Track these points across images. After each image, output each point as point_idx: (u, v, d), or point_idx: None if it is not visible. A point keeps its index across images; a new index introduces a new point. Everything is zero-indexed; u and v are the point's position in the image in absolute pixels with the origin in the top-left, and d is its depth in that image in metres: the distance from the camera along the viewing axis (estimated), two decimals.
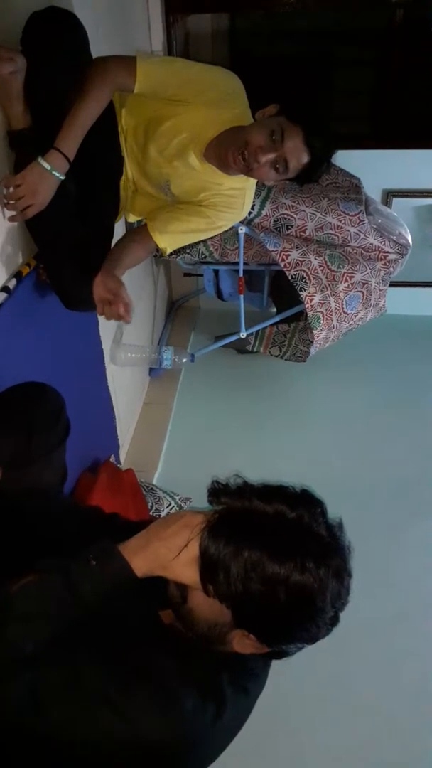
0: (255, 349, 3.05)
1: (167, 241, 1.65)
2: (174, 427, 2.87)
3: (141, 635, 0.86)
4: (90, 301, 1.66)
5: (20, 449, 1.17)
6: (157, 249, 1.68)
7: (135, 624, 0.87)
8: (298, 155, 1.46)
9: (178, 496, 2.24)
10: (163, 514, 2.13)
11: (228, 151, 1.48)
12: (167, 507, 2.16)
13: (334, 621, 0.81)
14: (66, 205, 1.50)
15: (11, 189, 1.34)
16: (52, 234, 1.52)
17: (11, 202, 1.35)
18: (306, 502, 0.81)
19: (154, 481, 2.51)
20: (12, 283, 1.45)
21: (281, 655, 0.85)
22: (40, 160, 1.34)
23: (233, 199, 1.66)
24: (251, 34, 3.55)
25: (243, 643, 0.82)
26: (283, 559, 0.75)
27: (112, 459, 2.25)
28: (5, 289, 1.42)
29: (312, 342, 2.68)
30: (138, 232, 1.67)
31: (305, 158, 1.47)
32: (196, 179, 1.60)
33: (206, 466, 2.38)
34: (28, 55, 1.32)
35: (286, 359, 3.03)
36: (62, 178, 1.37)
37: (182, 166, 1.58)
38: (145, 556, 0.82)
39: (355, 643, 1.91)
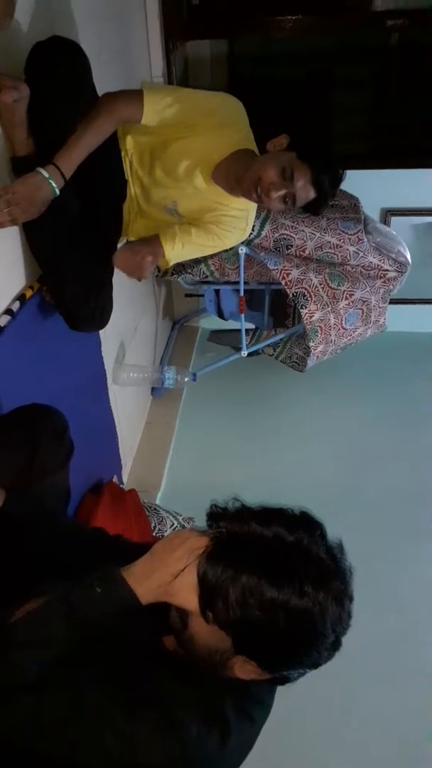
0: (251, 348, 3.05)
1: (173, 251, 1.69)
2: (176, 446, 2.87)
3: (144, 660, 0.85)
4: (94, 321, 1.68)
5: (24, 471, 1.18)
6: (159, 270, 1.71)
7: (138, 649, 0.86)
8: (307, 192, 1.54)
9: (180, 515, 2.24)
10: (166, 533, 2.12)
11: (243, 183, 1.54)
12: (170, 527, 2.16)
13: (336, 646, 0.80)
14: (67, 226, 1.53)
15: (10, 195, 1.33)
16: (56, 255, 1.54)
17: (6, 209, 1.33)
18: (305, 524, 0.81)
19: (157, 501, 2.51)
20: (15, 306, 1.46)
21: (284, 680, 0.84)
22: (39, 169, 1.36)
23: (237, 219, 1.71)
24: (249, 58, 3.61)
25: (244, 669, 0.81)
26: (282, 583, 0.74)
27: (115, 479, 2.25)
28: (9, 312, 1.44)
29: (309, 350, 2.70)
30: (148, 238, 1.72)
31: (312, 195, 1.55)
32: (203, 200, 1.64)
33: (209, 485, 2.40)
34: (31, 84, 1.35)
35: (280, 360, 3.04)
36: (57, 191, 1.38)
37: (190, 187, 1.61)
38: (149, 585, 0.81)
39: (359, 663, 1.89)
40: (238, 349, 2.94)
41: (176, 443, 2.89)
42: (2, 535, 1.08)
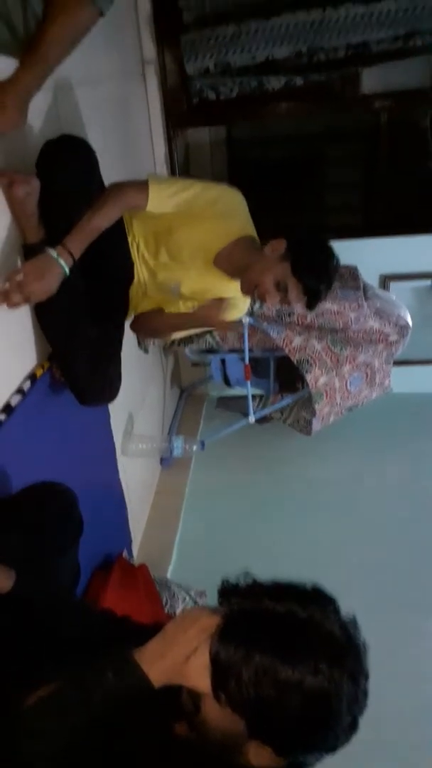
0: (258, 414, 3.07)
1: None
2: (186, 517, 2.84)
3: (155, 747, 0.82)
4: (103, 395, 1.73)
5: (33, 551, 1.17)
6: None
7: (149, 735, 0.84)
8: (300, 299, 1.64)
9: (192, 590, 2.19)
10: (178, 610, 2.08)
11: (242, 284, 1.66)
12: (182, 602, 2.11)
13: (353, 727, 0.77)
14: (76, 304, 1.59)
15: (20, 276, 1.39)
16: (65, 334, 1.60)
17: (17, 290, 1.38)
18: (318, 599, 0.80)
19: (168, 575, 2.46)
20: (26, 385, 1.50)
21: (300, 767, 0.81)
22: (49, 249, 1.43)
23: (236, 300, 1.78)
24: (246, 141, 3.83)
25: (259, 754, 0.79)
26: (296, 662, 0.73)
27: (125, 554, 2.22)
28: (20, 391, 1.47)
29: (315, 413, 2.71)
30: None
31: (304, 300, 1.64)
32: (205, 283, 1.73)
33: (220, 557, 2.36)
34: (42, 177, 1.45)
35: (288, 424, 3.06)
36: (67, 270, 1.44)
37: (193, 271, 1.70)
38: (162, 666, 0.80)
39: (377, 745, 1.79)
40: (246, 415, 2.97)
41: (186, 514, 2.86)
42: (11, 618, 1.07)
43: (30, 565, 1.16)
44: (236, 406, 3.27)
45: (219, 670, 0.76)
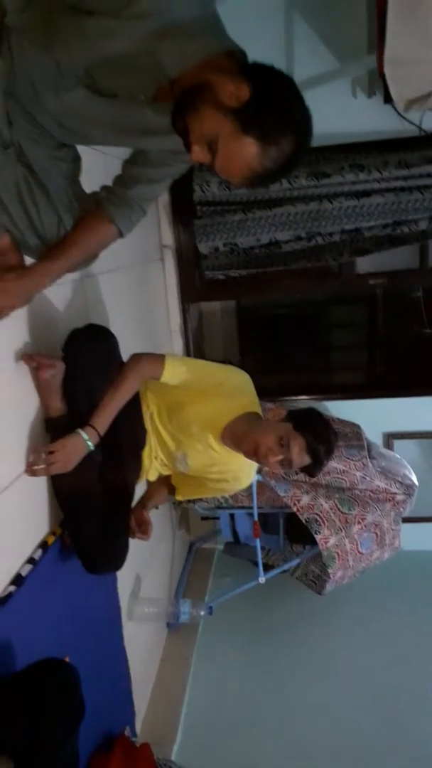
0: (268, 562, 3.02)
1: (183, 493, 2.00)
2: (193, 687, 2.69)
3: None
4: (110, 565, 1.75)
5: (32, 738, 1.14)
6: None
7: None
8: (302, 458, 1.67)
9: None
10: None
11: (244, 447, 1.70)
12: None
13: None
14: (93, 474, 1.68)
15: (43, 455, 1.51)
16: (78, 503, 1.66)
17: (43, 465, 1.51)
18: None
19: (173, 754, 2.29)
20: (38, 554, 1.54)
21: None
22: (80, 431, 1.55)
23: (241, 472, 1.88)
24: (254, 308, 4.17)
25: None
26: None
27: (127, 731, 2.09)
28: (31, 560, 1.51)
29: (325, 567, 2.66)
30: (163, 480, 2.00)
31: (307, 461, 1.68)
32: (211, 457, 1.81)
33: (229, 733, 2.22)
34: (67, 360, 1.60)
35: (296, 577, 2.97)
36: (93, 448, 1.57)
37: (200, 444, 1.79)
38: None
39: None
40: (255, 563, 2.90)
41: (193, 683, 2.70)
42: None
43: (28, 754, 1.13)
44: (243, 552, 3.21)
45: None
